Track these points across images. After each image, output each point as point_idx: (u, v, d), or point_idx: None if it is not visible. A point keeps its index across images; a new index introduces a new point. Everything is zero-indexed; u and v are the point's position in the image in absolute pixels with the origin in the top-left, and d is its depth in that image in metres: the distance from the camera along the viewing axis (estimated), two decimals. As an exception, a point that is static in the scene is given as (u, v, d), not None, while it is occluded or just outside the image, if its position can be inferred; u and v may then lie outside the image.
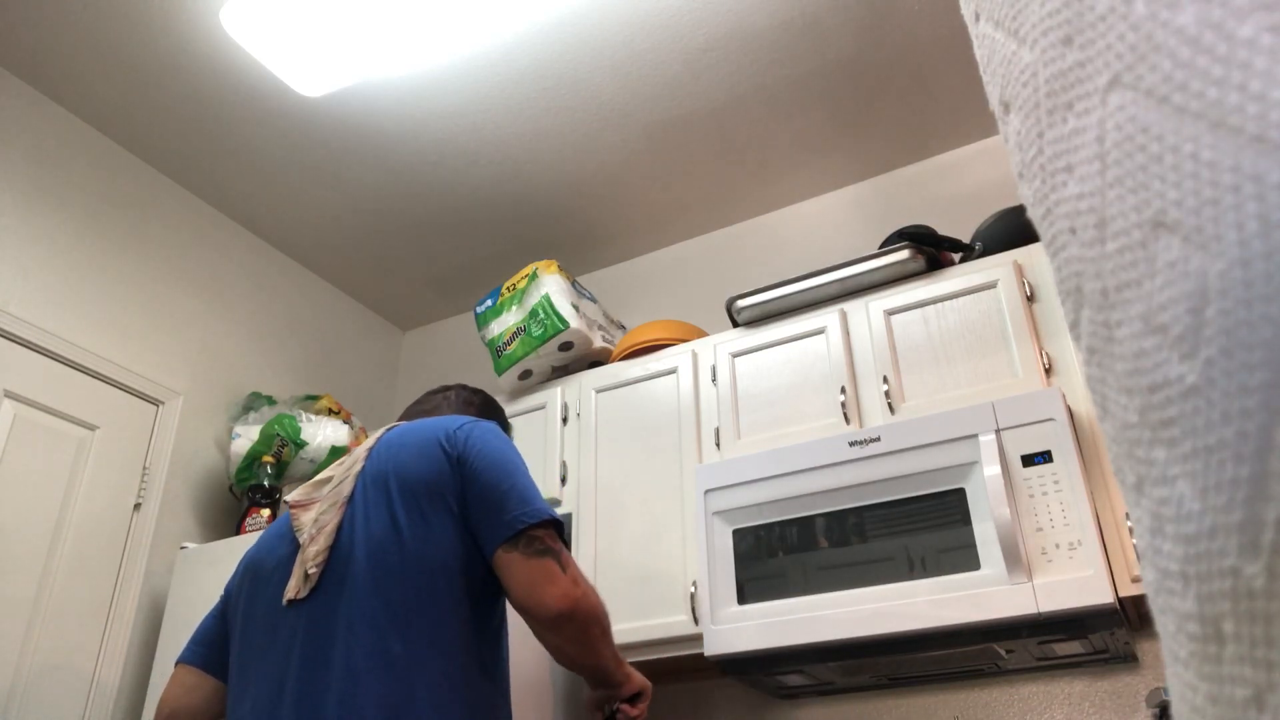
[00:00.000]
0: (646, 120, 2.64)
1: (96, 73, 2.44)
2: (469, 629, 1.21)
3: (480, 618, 1.24)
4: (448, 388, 1.63)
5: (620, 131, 2.68)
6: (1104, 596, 1.59)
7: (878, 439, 1.90)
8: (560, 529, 1.25)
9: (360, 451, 1.36)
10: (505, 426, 1.67)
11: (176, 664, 1.39)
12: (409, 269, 3.27)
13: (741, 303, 2.33)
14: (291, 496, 1.36)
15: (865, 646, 1.81)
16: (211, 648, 1.37)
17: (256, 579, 1.31)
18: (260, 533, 2.38)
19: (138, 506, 2.48)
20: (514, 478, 1.26)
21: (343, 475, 1.33)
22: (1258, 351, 0.21)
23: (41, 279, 2.38)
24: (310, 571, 1.22)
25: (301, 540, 1.27)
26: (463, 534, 1.24)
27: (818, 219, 2.92)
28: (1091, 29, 0.26)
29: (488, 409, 1.63)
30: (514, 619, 1.37)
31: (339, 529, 1.25)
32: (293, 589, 1.23)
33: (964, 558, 1.73)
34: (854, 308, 2.23)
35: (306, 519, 1.30)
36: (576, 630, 1.22)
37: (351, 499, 1.28)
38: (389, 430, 1.38)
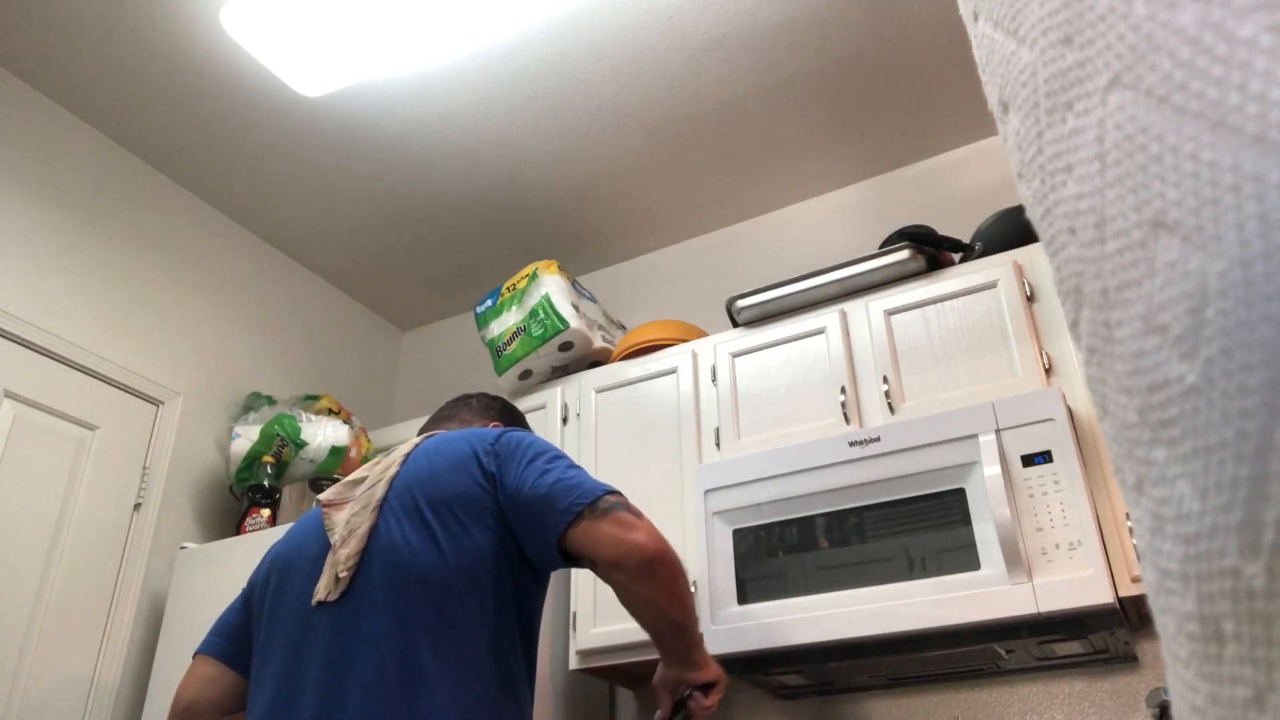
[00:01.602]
0: (646, 120, 2.64)
1: (96, 73, 2.44)
2: (499, 644, 1.20)
3: (511, 632, 1.23)
4: (469, 396, 1.63)
5: (620, 131, 2.68)
6: (1104, 596, 1.59)
7: (878, 439, 1.90)
8: (620, 494, 1.25)
9: (396, 455, 1.34)
10: (524, 428, 1.67)
11: (196, 654, 1.37)
12: (409, 269, 3.27)
13: (741, 303, 2.34)
14: (324, 495, 1.34)
15: (865, 646, 1.81)
16: (232, 640, 1.35)
17: (285, 574, 1.30)
18: (258, 531, 2.38)
19: (138, 506, 2.48)
20: (564, 471, 1.25)
21: (376, 478, 1.31)
22: (1258, 351, 0.21)
23: (41, 279, 2.38)
24: (341, 575, 1.20)
25: (333, 540, 1.25)
26: (500, 547, 1.23)
27: (818, 219, 2.92)
28: (1091, 29, 0.26)
29: (507, 414, 1.63)
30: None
31: (371, 533, 1.24)
32: (323, 590, 1.22)
33: (964, 558, 1.73)
34: (854, 308, 2.23)
35: (339, 519, 1.28)
36: (668, 575, 1.21)
37: (384, 504, 1.27)
38: (427, 438, 1.37)
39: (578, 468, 1.28)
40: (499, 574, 1.22)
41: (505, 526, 1.25)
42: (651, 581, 1.21)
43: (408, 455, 1.33)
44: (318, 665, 1.16)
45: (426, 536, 1.21)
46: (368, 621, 1.17)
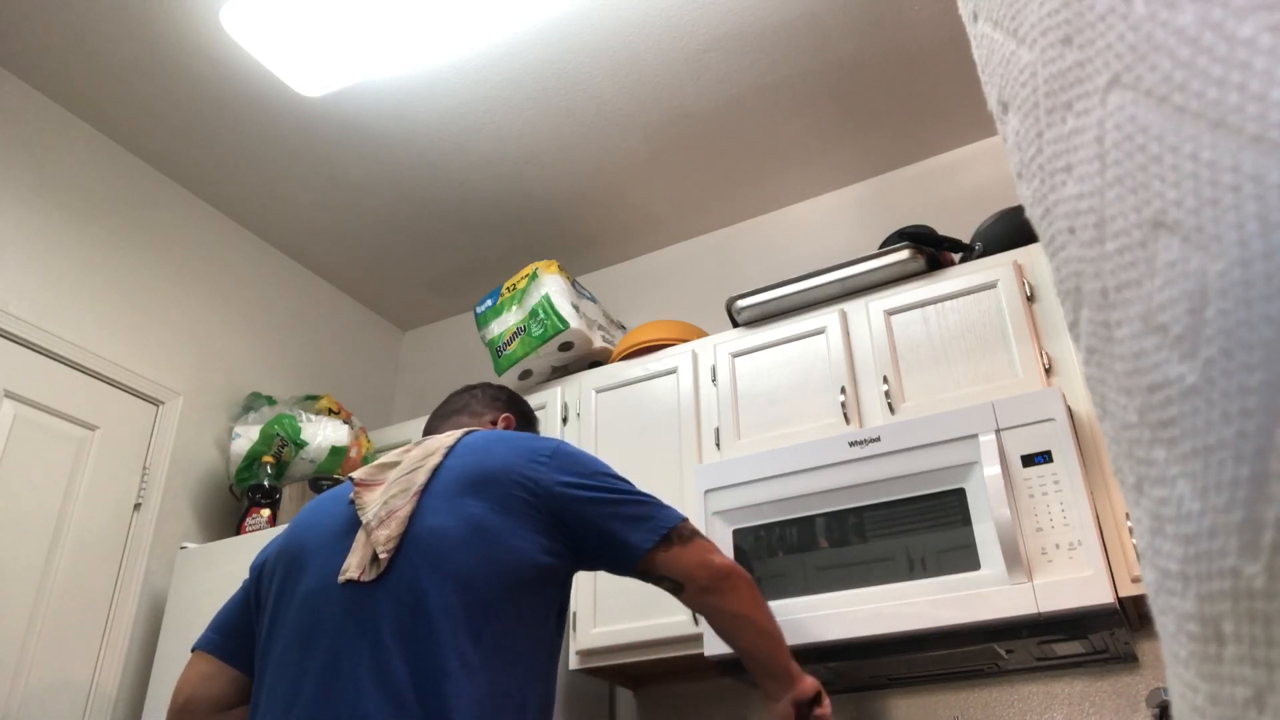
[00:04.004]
0: (646, 120, 2.64)
1: (96, 73, 2.44)
2: (530, 647, 1.21)
3: (542, 639, 1.23)
4: (472, 386, 1.63)
5: (620, 131, 2.68)
6: (1104, 596, 1.59)
7: (878, 439, 1.90)
8: (689, 521, 1.34)
9: (435, 446, 1.33)
10: (531, 418, 1.68)
11: (193, 650, 1.35)
12: (409, 269, 3.27)
13: (741, 303, 2.34)
14: (358, 474, 1.32)
15: (865, 646, 1.81)
16: (229, 636, 1.33)
17: (299, 556, 1.27)
18: (258, 531, 2.38)
19: (138, 506, 2.48)
20: (635, 491, 1.32)
21: (414, 464, 1.30)
22: (1258, 351, 0.21)
23: (41, 279, 2.38)
24: (381, 555, 1.18)
25: (366, 519, 1.23)
26: (544, 554, 1.23)
27: (818, 219, 2.92)
28: (1091, 29, 0.26)
29: (514, 403, 1.63)
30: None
31: (411, 519, 1.22)
32: (355, 568, 1.19)
33: (964, 558, 1.73)
34: (854, 308, 2.23)
35: (370, 499, 1.26)
36: (748, 587, 1.31)
37: (426, 491, 1.25)
38: (468, 434, 1.36)
39: (640, 491, 1.34)
40: (539, 579, 1.22)
41: (557, 535, 1.25)
42: (735, 594, 1.29)
43: (450, 449, 1.32)
44: (337, 648, 1.14)
45: (470, 531, 1.20)
46: (400, 609, 1.15)
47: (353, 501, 1.28)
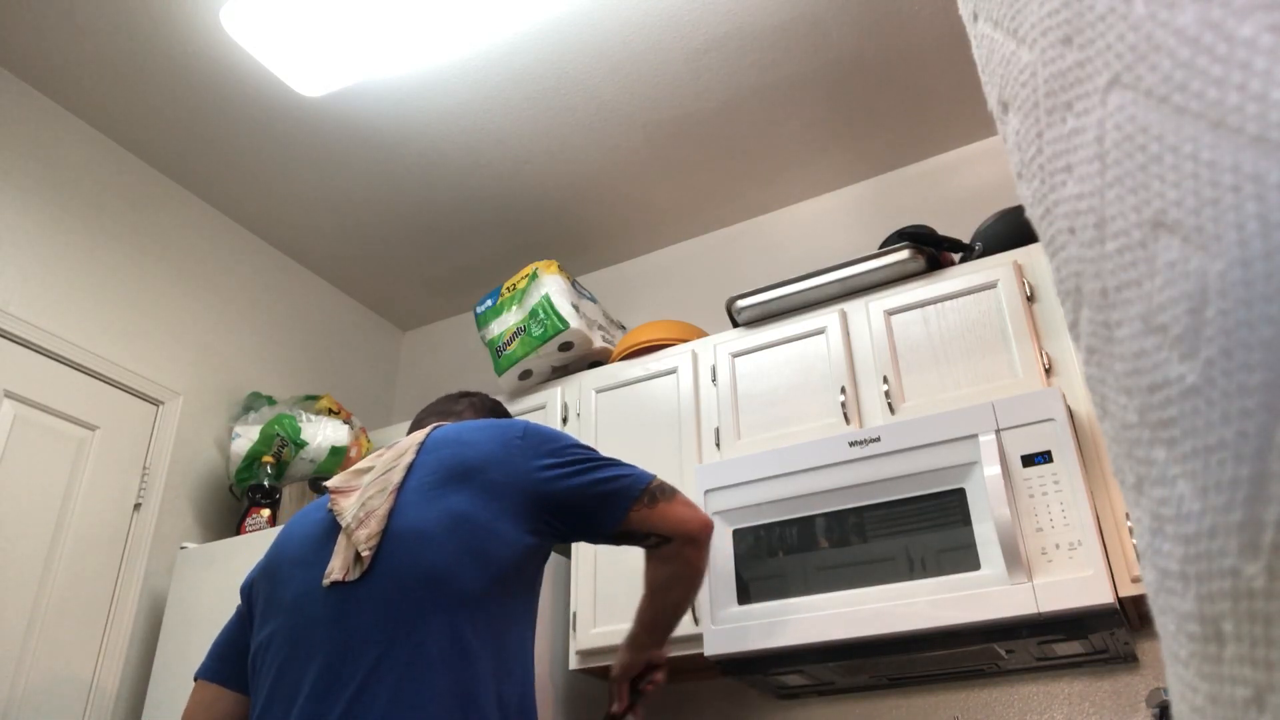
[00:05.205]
0: (646, 120, 2.64)
1: (96, 73, 2.44)
2: (521, 619, 1.24)
3: (528, 610, 1.26)
4: (469, 393, 1.63)
5: (620, 131, 2.68)
6: (1104, 596, 1.59)
7: (878, 439, 1.90)
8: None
9: (408, 444, 1.34)
10: None
11: (195, 679, 1.37)
12: (409, 269, 3.27)
13: (741, 303, 2.34)
14: (331, 482, 1.33)
15: (865, 646, 1.81)
16: (227, 661, 1.35)
17: (283, 565, 1.29)
18: (258, 531, 2.38)
19: (138, 506, 2.48)
20: (606, 458, 1.35)
21: (389, 465, 1.31)
22: (1258, 351, 0.21)
23: (41, 279, 2.38)
24: (364, 553, 1.19)
25: (345, 523, 1.24)
26: (526, 535, 1.25)
27: (818, 219, 2.92)
28: (1091, 29, 0.26)
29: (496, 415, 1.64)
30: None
31: (390, 516, 1.23)
32: (339, 570, 1.20)
33: (964, 558, 1.73)
34: (854, 308, 2.23)
35: (347, 504, 1.27)
36: (709, 550, 1.40)
37: (403, 488, 1.27)
38: (436, 428, 1.37)
39: (607, 456, 1.38)
40: (523, 561, 1.24)
41: (538, 516, 1.27)
42: (705, 552, 1.37)
43: (422, 444, 1.33)
44: (331, 649, 1.15)
45: (453, 525, 1.21)
46: (388, 606, 1.16)
47: (330, 509, 1.30)
